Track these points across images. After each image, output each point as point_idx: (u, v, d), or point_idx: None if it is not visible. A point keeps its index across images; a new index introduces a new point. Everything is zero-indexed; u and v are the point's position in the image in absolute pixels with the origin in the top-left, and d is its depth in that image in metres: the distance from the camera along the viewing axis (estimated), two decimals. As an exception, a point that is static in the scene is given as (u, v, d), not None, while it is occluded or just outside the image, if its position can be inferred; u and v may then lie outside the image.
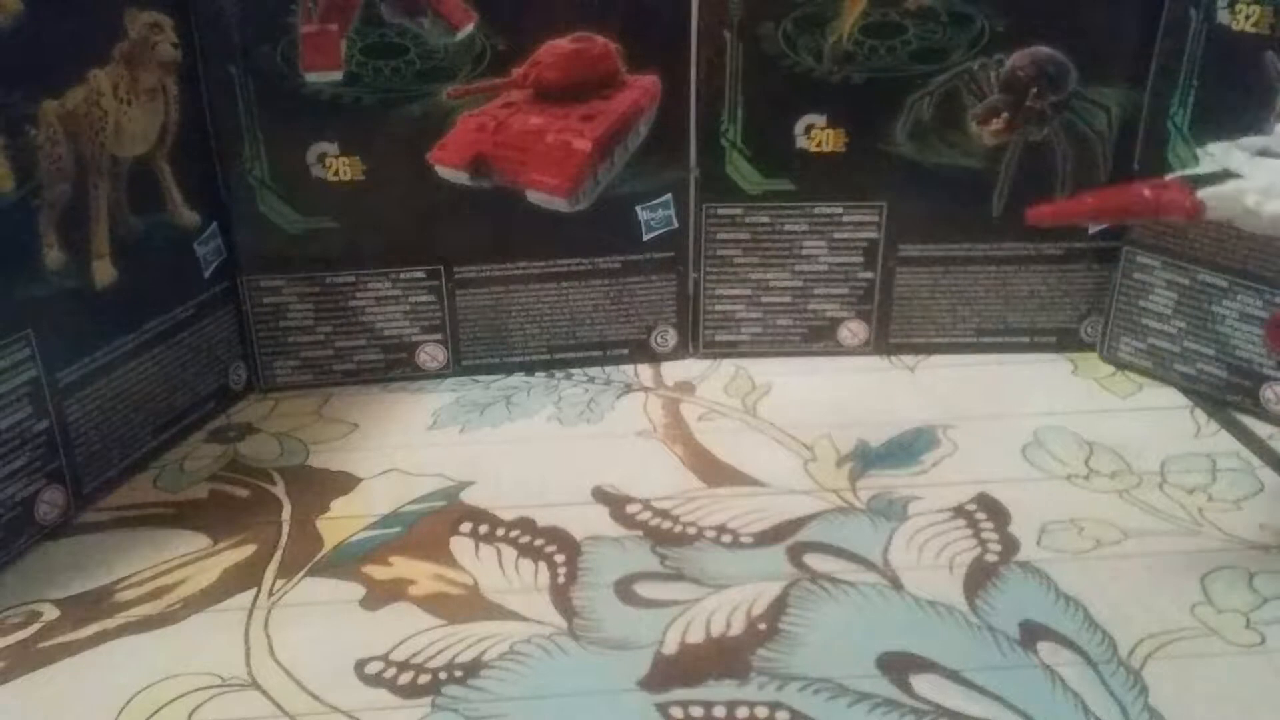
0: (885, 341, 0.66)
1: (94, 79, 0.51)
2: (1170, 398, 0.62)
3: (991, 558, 0.49)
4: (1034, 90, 0.60)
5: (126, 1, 0.52)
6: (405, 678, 0.43)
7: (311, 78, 0.57)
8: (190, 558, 0.50)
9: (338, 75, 0.57)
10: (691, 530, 0.51)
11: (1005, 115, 0.61)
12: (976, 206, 0.63)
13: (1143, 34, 0.60)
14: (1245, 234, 0.58)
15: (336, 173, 0.59)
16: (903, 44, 0.59)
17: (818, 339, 0.67)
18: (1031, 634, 0.44)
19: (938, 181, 0.62)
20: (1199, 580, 0.47)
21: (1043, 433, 0.58)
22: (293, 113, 0.58)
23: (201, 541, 0.51)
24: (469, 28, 0.58)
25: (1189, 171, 0.37)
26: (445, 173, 0.60)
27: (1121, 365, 0.65)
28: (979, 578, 0.48)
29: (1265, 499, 0.53)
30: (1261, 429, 0.59)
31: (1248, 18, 0.55)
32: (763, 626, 0.45)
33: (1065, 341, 0.66)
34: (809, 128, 0.61)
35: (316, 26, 0.56)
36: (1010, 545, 0.50)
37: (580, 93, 0.60)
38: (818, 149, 0.62)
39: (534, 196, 0.62)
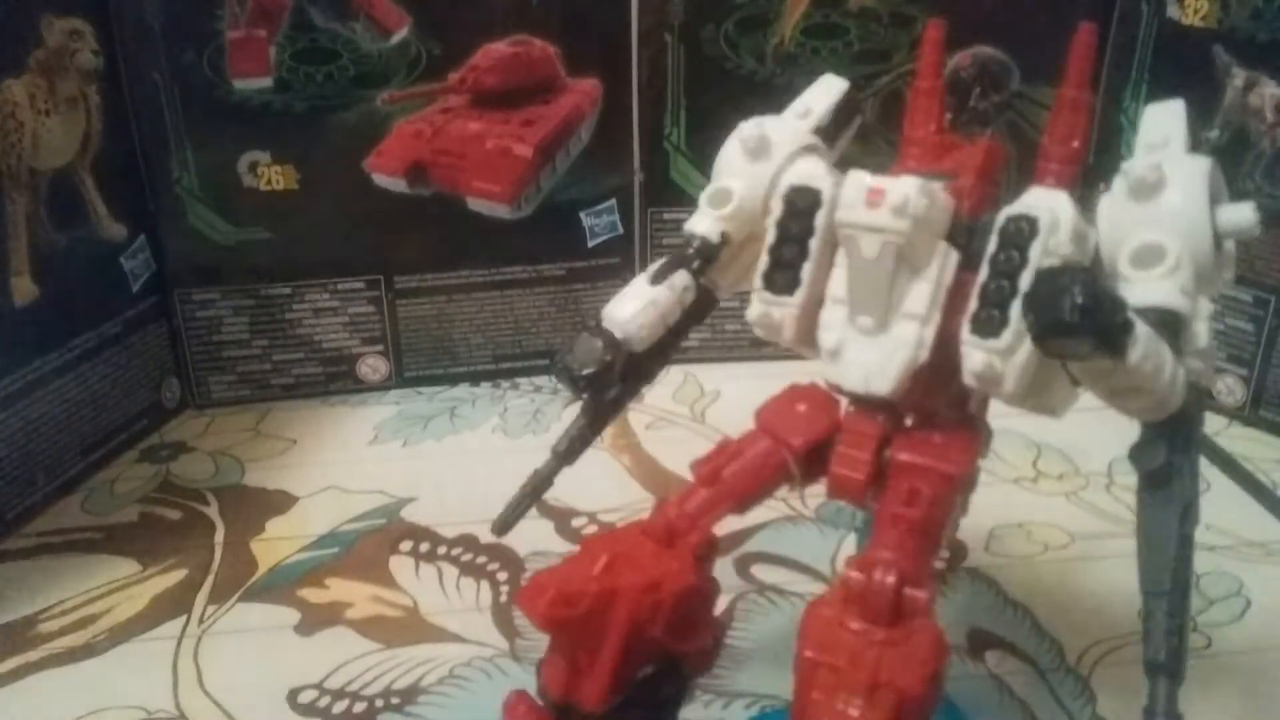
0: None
1: (8, 89, 0.49)
2: (1118, 397, 0.62)
3: (940, 564, 0.48)
4: (977, 90, 0.59)
5: (43, 8, 0.51)
6: (340, 706, 0.41)
7: (240, 85, 0.56)
8: (118, 584, 0.48)
9: (267, 82, 0.56)
10: (638, 543, 0.50)
11: (949, 116, 0.60)
12: (922, 208, 0.63)
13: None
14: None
15: (269, 182, 0.58)
16: (845, 45, 0.59)
17: (767, 343, 0.66)
18: (980, 642, 0.44)
19: (883, 183, 0.62)
20: (1146, 583, 0.47)
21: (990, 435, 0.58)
22: (221, 121, 0.56)
23: (130, 567, 0.49)
24: (403, 32, 0.56)
25: None
26: (382, 180, 0.59)
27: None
28: (927, 586, 0.47)
29: (1210, 498, 0.53)
30: (1208, 425, 0.59)
31: (1196, 11, 0.55)
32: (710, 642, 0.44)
33: (1013, 342, 0.66)
34: (753, 130, 0.60)
35: (243, 32, 0.55)
36: (959, 551, 0.49)
37: (520, 97, 0.59)
38: (762, 152, 0.61)
39: (475, 204, 0.60)
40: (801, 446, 0.32)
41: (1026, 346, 0.27)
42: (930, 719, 0.26)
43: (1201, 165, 0.28)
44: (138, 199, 0.57)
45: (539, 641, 0.44)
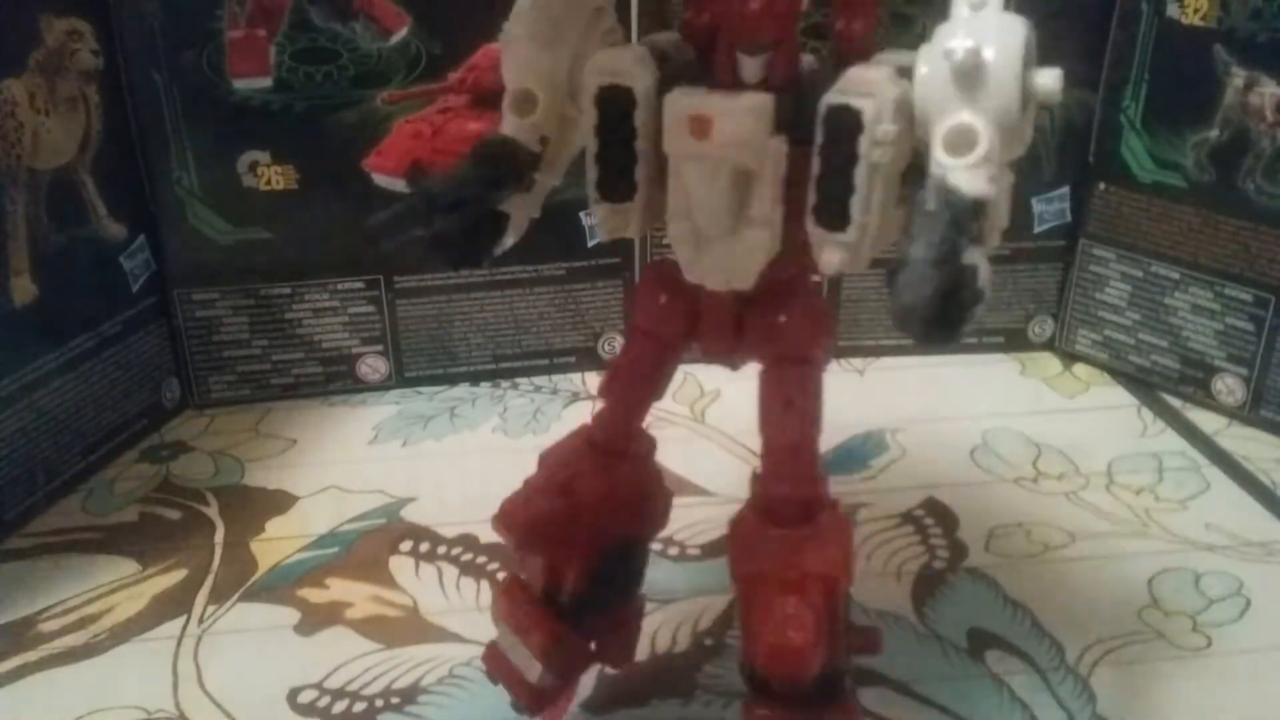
0: (834, 345, 0.66)
1: (8, 89, 0.49)
2: (1118, 396, 0.62)
3: (940, 564, 0.48)
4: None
5: (43, 8, 0.51)
6: (340, 706, 0.41)
7: (240, 84, 0.56)
8: (118, 584, 0.48)
9: (267, 82, 0.56)
10: (638, 543, 0.50)
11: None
12: (922, 207, 0.63)
13: (1085, 33, 0.59)
14: (1196, 227, 0.58)
15: (269, 181, 0.58)
16: (845, 44, 0.58)
17: (766, 343, 0.66)
18: (980, 642, 0.44)
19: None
20: (1146, 583, 0.47)
21: (991, 435, 0.58)
22: (221, 121, 0.56)
23: (130, 567, 0.49)
24: (402, 32, 0.56)
25: None
26: (382, 180, 0.59)
27: (1077, 358, 0.65)
28: (927, 586, 0.47)
29: (1211, 498, 0.53)
30: (1208, 425, 0.59)
31: (1195, 11, 0.55)
32: (709, 642, 0.44)
33: (1013, 342, 0.66)
34: (752, 130, 0.60)
35: (243, 31, 0.55)
36: (959, 551, 0.49)
37: (519, 97, 0.59)
38: (762, 151, 0.61)
39: (474, 203, 0.60)
40: (680, 343, 0.34)
41: (870, 233, 0.28)
42: (849, 588, 0.32)
43: (1017, 31, 0.27)
44: (137, 199, 0.57)
45: (539, 641, 0.44)
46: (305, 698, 0.42)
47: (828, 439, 0.57)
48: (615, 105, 0.29)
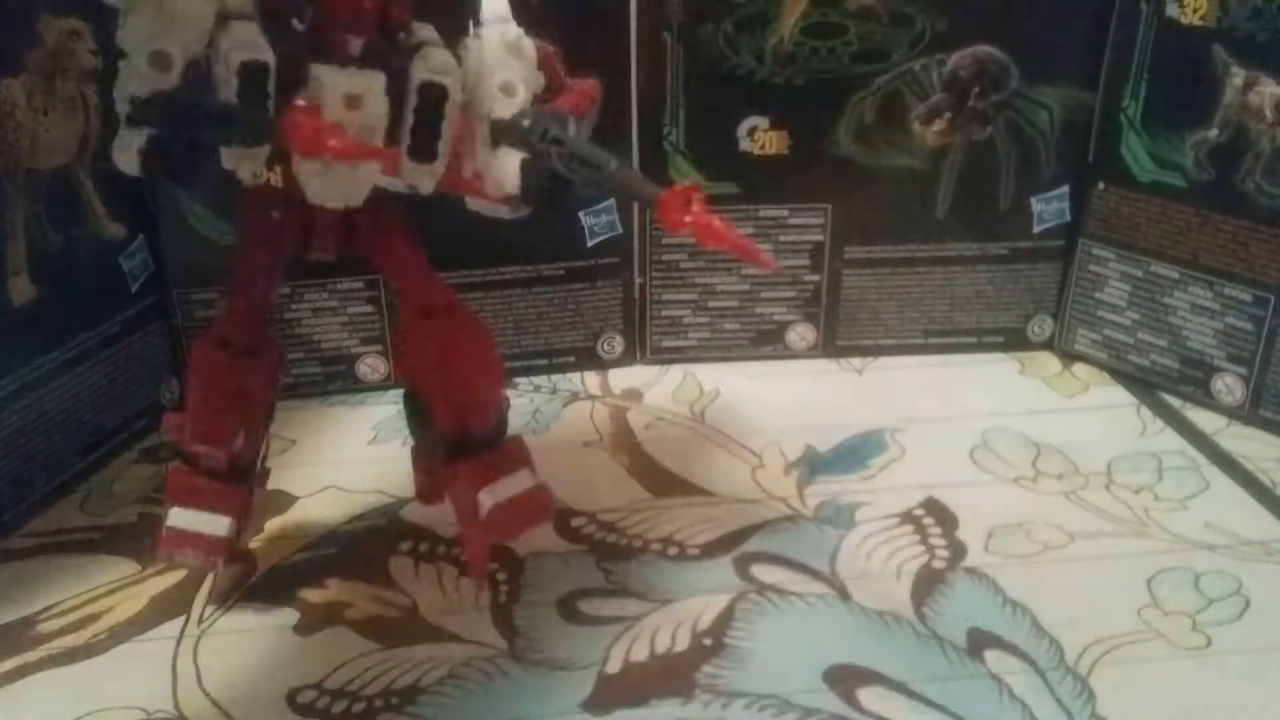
0: (833, 344, 0.66)
1: (7, 89, 0.49)
2: (1117, 396, 0.62)
3: (939, 564, 0.48)
4: (975, 90, 0.59)
5: (42, 8, 0.51)
6: (339, 706, 0.41)
7: (238, 85, 0.55)
8: (117, 585, 0.48)
9: (266, 82, 0.56)
10: (638, 543, 0.50)
11: (948, 115, 0.60)
12: (921, 207, 0.63)
13: (1084, 32, 0.59)
14: (1196, 227, 0.59)
15: (268, 182, 0.57)
16: (844, 44, 0.59)
17: (765, 343, 0.66)
18: (979, 642, 0.44)
19: (881, 183, 0.62)
20: (1145, 582, 0.47)
21: (990, 435, 0.58)
22: (220, 121, 0.56)
23: (129, 567, 0.49)
24: (401, 31, 0.56)
25: None
26: (381, 181, 0.59)
27: (1077, 357, 0.65)
28: (927, 585, 0.47)
29: (1211, 497, 0.53)
30: (1208, 425, 0.59)
31: (1195, 10, 0.55)
32: (708, 642, 0.44)
33: (1012, 341, 0.66)
34: (752, 130, 0.60)
35: (242, 32, 0.55)
36: (958, 551, 0.49)
37: (519, 97, 0.59)
38: (761, 151, 0.61)
39: (473, 204, 0.60)
40: (291, 250, 0.42)
41: (441, 168, 0.40)
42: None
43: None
44: (136, 199, 0.57)
45: (538, 641, 0.44)
46: (304, 698, 0.42)
47: (827, 438, 0.57)
48: (253, 76, 0.36)
